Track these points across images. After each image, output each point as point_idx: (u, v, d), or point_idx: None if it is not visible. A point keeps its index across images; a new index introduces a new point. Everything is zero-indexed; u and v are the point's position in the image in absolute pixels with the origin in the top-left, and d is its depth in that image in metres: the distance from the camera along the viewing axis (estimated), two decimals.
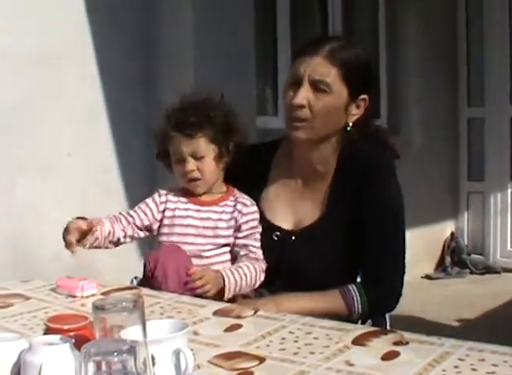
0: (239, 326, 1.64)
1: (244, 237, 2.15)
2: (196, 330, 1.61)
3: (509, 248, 6.46)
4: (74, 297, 1.91)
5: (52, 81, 3.79)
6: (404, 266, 2.14)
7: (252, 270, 2.09)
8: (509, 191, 6.43)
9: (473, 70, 6.57)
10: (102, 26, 3.96)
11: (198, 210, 2.15)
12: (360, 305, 2.06)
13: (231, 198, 2.19)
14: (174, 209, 2.16)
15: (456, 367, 1.31)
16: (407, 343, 1.46)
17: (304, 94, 2.08)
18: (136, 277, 2.24)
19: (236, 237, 2.15)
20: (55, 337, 1.23)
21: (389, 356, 1.39)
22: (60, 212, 3.63)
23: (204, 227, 2.13)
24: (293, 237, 2.20)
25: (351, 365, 1.35)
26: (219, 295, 2.02)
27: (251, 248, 2.15)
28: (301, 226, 2.22)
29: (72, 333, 1.26)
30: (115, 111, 4.03)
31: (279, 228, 2.23)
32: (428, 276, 6.30)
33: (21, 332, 1.53)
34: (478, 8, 6.45)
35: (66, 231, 1.99)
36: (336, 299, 2.06)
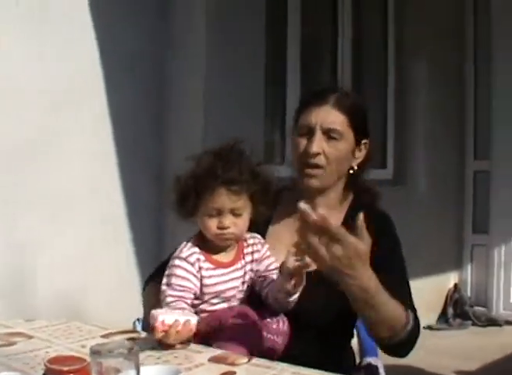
0: (233, 373, 1.70)
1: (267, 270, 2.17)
2: None
3: None
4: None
5: (66, 120, 3.90)
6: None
7: None
8: None
9: (480, 123, 6.67)
10: (117, 70, 4.08)
11: (223, 274, 2.12)
12: (412, 322, 2.01)
13: (244, 251, 2.17)
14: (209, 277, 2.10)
15: None
16: None
17: (319, 143, 2.18)
18: (138, 319, 2.27)
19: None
20: None
21: None
22: (69, 250, 3.74)
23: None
24: None
25: None
26: None
27: None
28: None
29: None
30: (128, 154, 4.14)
31: None
32: (429, 327, 6.32)
33: (22, 370, 1.59)
34: (486, 59, 6.56)
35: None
36: (401, 307, 1.99)
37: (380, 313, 1.92)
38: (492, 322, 6.39)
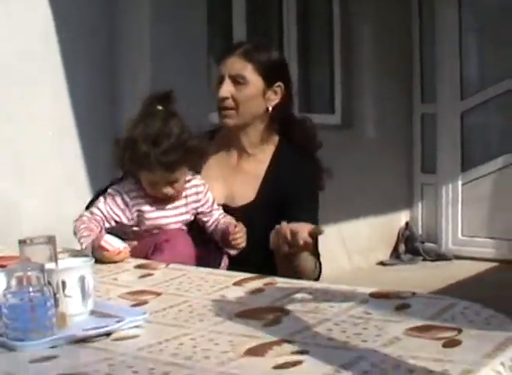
0: (151, 274, 2.06)
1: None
2: (116, 277, 2.03)
3: (460, 236, 6.85)
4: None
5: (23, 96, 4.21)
6: None
7: None
8: (459, 182, 6.84)
9: (426, 68, 6.98)
10: (70, 40, 4.39)
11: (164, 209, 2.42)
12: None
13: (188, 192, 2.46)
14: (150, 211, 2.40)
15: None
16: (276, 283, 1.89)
17: (226, 88, 2.51)
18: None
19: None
20: None
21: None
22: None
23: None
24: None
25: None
26: None
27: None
28: (234, 204, 2.57)
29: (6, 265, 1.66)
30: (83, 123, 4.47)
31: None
32: (382, 263, 6.68)
33: None
34: (430, 6, 6.84)
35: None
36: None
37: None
38: (442, 257, 6.75)
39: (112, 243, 2.23)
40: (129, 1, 4.64)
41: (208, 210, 2.47)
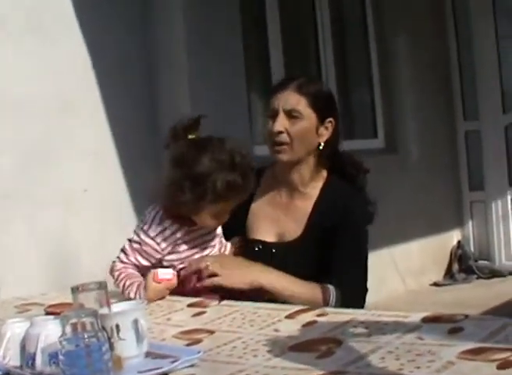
0: (203, 312, 2.08)
1: None
2: (169, 317, 2.06)
3: None
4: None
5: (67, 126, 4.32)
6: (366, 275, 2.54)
7: None
8: (509, 197, 6.79)
9: (466, 85, 6.96)
10: (109, 76, 4.49)
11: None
12: (334, 299, 2.40)
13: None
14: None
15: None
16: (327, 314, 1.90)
17: (281, 122, 2.51)
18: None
19: None
20: (50, 317, 1.68)
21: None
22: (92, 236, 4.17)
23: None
24: (274, 250, 2.56)
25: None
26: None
27: None
28: (283, 240, 2.58)
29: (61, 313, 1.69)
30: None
31: (260, 241, 2.59)
32: (435, 284, 6.63)
33: None
34: (466, 22, 6.86)
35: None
36: (316, 290, 2.40)
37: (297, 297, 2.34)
38: (496, 273, 6.69)
39: (166, 272, 2.27)
40: (166, 29, 4.72)
41: None
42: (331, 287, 2.42)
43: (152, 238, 2.32)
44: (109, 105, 4.49)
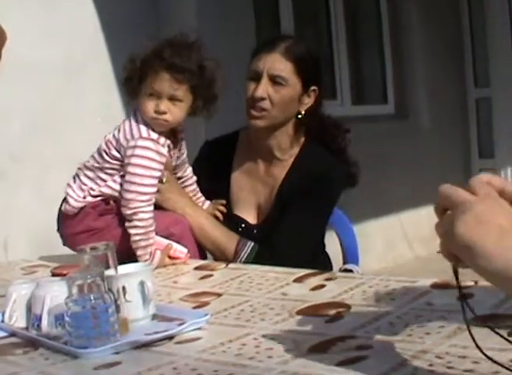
0: (211, 275, 2.06)
1: None
2: (176, 280, 2.05)
3: None
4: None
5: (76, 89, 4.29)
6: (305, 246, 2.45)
7: None
8: None
9: (478, 51, 6.90)
10: (119, 39, 4.46)
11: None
12: (245, 255, 2.34)
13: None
14: None
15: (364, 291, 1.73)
16: (336, 278, 1.88)
17: (265, 88, 2.40)
18: None
19: None
20: (57, 279, 1.67)
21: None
22: None
23: None
24: (255, 231, 2.51)
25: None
26: None
27: None
28: (262, 217, 2.53)
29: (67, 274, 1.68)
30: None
31: (243, 221, 2.54)
32: None
33: None
34: None
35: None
36: (231, 239, 2.37)
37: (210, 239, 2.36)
38: None
39: (181, 251, 2.26)
40: None
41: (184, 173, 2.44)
42: (249, 243, 2.36)
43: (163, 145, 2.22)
44: (119, 69, 4.45)
